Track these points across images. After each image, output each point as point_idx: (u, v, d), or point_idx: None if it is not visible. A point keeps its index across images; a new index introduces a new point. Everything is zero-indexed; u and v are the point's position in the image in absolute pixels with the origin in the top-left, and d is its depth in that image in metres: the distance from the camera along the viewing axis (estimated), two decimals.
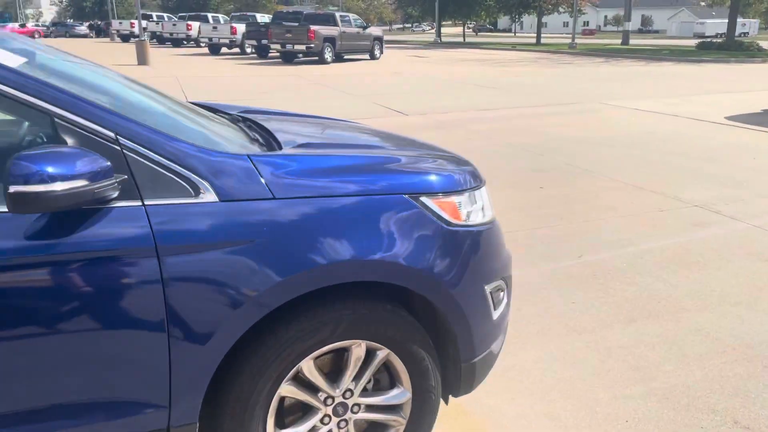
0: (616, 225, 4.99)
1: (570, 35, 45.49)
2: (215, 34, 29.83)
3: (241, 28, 28.98)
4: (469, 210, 2.20)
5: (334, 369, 2.06)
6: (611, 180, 6.36)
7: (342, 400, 2.06)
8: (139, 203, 1.67)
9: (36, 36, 60.58)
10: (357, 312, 1.99)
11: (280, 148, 2.16)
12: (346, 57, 26.55)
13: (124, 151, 1.68)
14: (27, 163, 1.46)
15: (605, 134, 8.92)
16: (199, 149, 1.80)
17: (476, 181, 2.30)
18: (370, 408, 2.13)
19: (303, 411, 2.05)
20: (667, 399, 2.75)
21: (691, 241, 4.65)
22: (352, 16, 27.56)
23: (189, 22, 35.13)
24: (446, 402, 2.37)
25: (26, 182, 1.45)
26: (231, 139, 2.18)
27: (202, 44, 31.42)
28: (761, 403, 2.72)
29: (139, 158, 1.69)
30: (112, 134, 1.68)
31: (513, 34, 69.29)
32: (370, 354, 2.06)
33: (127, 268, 1.64)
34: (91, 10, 72.85)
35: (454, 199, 2.14)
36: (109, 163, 1.60)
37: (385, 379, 2.17)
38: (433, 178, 2.13)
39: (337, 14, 26.10)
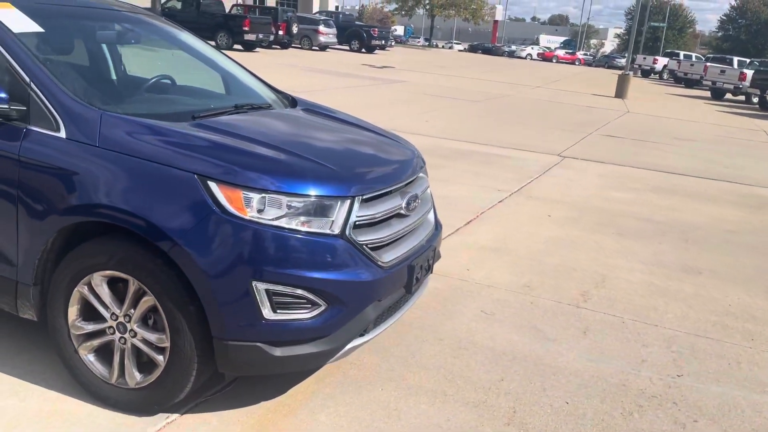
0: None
1: None
2: (721, 78, 27.70)
3: (750, 74, 26.08)
4: (275, 209, 2.42)
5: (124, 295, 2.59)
6: None
7: (122, 321, 2.59)
8: (25, 126, 2.58)
9: (576, 63, 66.29)
10: (130, 253, 2.49)
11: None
12: None
13: (30, 91, 2.61)
14: None
15: None
16: (72, 100, 2.59)
17: (322, 191, 2.50)
18: (144, 340, 2.57)
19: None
20: None
21: None
22: None
23: (706, 64, 33.23)
24: (224, 378, 2.58)
25: None
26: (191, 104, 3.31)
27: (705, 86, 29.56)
28: None
29: (35, 97, 2.60)
30: (27, 79, 2.62)
31: None
32: (142, 293, 2.51)
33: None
34: (644, 45, 75.02)
35: (243, 194, 2.41)
36: (4, 95, 2.54)
37: (163, 322, 2.55)
38: (234, 171, 2.45)
39: None
